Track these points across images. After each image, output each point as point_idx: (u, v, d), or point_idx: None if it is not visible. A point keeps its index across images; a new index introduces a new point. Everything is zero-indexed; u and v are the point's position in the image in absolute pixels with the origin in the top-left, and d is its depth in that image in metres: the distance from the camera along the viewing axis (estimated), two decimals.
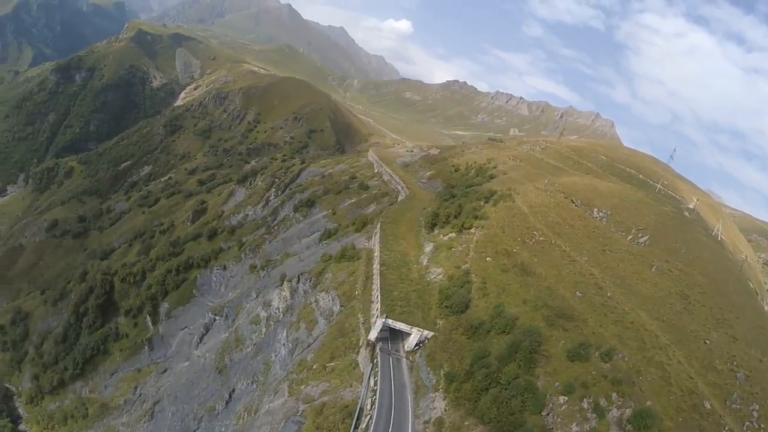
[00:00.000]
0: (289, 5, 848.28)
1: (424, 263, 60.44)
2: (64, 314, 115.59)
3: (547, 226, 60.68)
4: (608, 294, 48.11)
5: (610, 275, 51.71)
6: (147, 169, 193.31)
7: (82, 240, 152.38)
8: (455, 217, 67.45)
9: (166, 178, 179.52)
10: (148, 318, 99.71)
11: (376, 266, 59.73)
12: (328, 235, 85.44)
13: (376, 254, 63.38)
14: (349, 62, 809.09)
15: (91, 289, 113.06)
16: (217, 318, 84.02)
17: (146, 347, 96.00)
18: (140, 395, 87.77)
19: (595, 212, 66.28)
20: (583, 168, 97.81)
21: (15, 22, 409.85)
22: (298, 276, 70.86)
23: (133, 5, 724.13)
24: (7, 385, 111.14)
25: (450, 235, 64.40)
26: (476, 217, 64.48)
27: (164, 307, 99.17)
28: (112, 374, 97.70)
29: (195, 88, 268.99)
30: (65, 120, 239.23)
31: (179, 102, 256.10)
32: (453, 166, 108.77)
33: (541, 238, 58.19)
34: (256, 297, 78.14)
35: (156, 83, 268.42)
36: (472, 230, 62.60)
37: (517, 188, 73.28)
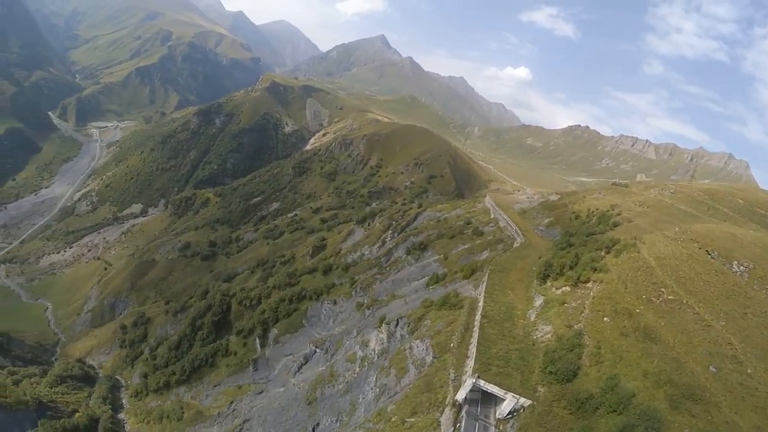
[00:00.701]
0: (410, 59, 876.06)
1: (532, 318, 52.87)
2: (181, 325, 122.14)
3: (678, 282, 51.03)
4: (749, 371, 38.63)
5: (751, 346, 42.09)
6: (275, 205, 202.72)
7: (210, 263, 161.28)
8: (571, 268, 59.05)
9: (292, 214, 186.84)
10: (257, 340, 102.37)
11: (477, 318, 53.72)
12: (436, 280, 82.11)
13: (479, 304, 56.88)
14: (469, 110, 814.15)
15: (210, 307, 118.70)
16: (317, 350, 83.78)
17: (251, 367, 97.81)
18: (234, 410, 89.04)
19: (734, 265, 54.44)
20: (719, 214, 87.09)
21: (162, 71, 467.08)
22: (397, 319, 68.04)
23: (268, 60, 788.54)
24: (118, 377, 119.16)
25: (564, 288, 56.43)
26: (595, 269, 55.79)
27: (273, 332, 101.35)
28: (215, 386, 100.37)
29: (323, 135, 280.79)
30: (205, 157, 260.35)
31: (308, 146, 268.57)
32: (573, 212, 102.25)
33: (669, 297, 48.36)
34: (356, 335, 76.56)
35: (288, 129, 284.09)
36: (589, 284, 54.01)
37: (643, 237, 63.10)
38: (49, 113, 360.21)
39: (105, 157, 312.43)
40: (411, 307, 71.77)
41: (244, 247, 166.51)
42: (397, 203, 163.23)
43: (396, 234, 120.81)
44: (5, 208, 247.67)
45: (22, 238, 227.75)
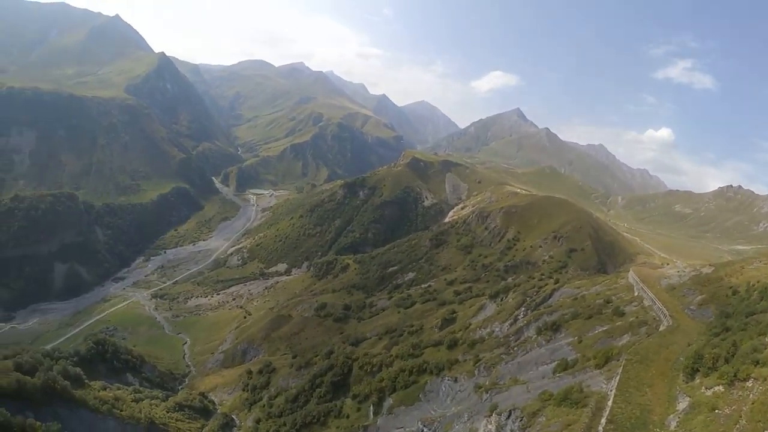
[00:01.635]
0: (547, 129, 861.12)
1: (671, 427, 41.24)
2: (302, 379, 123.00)
3: None
4: None
5: None
6: (411, 275, 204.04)
7: (341, 324, 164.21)
8: (726, 360, 45.66)
9: (426, 285, 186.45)
10: (371, 407, 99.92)
11: (602, 422, 43.88)
12: (565, 366, 73.14)
13: (608, 404, 46.87)
14: (611, 178, 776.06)
15: (332, 367, 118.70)
16: (425, 429, 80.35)
17: None
18: None
19: None
20: None
21: (314, 147, 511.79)
22: (510, 411, 59.79)
23: (410, 138, 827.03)
24: (234, 416, 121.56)
25: (716, 388, 43.75)
26: (756, 363, 42.37)
27: (388, 402, 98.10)
28: None
29: (462, 208, 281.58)
30: (348, 226, 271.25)
31: (446, 219, 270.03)
32: (730, 287, 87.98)
33: None
34: (467, 420, 70.31)
35: (427, 203, 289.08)
36: (749, 383, 40.61)
37: None
38: (213, 178, 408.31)
39: (259, 220, 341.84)
40: (530, 397, 63.92)
41: (376, 313, 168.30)
42: (534, 278, 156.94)
43: (529, 311, 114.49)
44: (165, 252, 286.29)
45: (176, 279, 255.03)
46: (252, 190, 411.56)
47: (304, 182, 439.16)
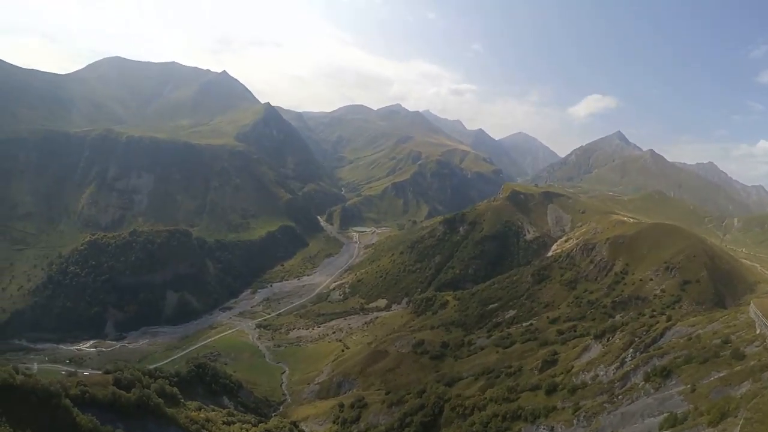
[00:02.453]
0: (651, 151, 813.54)
1: None
2: (392, 417, 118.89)
3: None
4: None
5: None
6: (511, 312, 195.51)
7: (437, 362, 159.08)
8: None
9: (527, 323, 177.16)
10: None
11: None
12: (673, 422, 62.38)
13: None
14: (724, 199, 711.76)
15: (422, 406, 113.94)
16: None
17: None
18: None
19: None
20: None
21: (414, 185, 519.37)
22: None
23: (509, 171, 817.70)
24: None
25: None
26: None
27: None
28: None
29: (565, 241, 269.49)
30: (448, 262, 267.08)
31: (550, 253, 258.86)
32: None
33: None
34: None
35: (529, 236, 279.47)
36: None
37: None
38: (318, 217, 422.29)
39: (361, 256, 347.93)
40: None
41: (474, 352, 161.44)
42: (645, 315, 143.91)
43: (637, 353, 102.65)
44: (271, 285, 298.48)
45: (280, 311, 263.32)
46: (355, 228, 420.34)
47: (405, 219, 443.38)
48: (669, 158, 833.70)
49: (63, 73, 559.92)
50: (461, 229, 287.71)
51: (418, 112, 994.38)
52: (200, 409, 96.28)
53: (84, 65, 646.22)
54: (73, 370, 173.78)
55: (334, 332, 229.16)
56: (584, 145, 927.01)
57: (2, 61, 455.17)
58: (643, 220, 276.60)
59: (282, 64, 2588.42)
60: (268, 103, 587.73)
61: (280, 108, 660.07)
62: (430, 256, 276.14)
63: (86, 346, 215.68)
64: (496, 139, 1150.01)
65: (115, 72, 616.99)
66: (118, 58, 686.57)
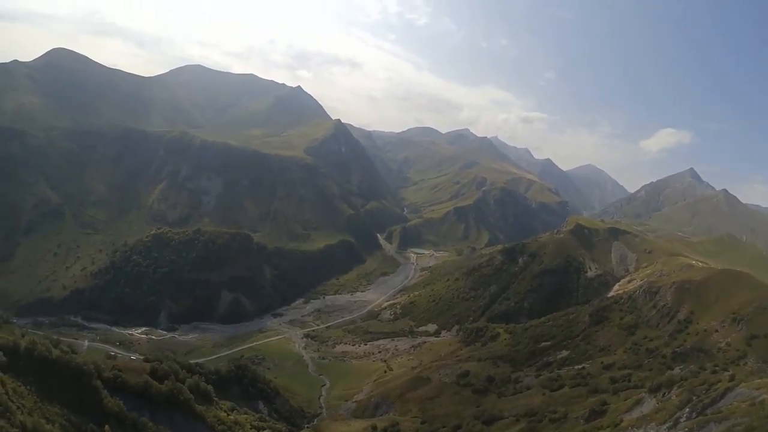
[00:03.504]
0: (725, 191, 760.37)
1: None
2: None
3: None
4: None
5: None
6: (564, 353, 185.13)
7: (479, 397, 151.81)
8: None
9: (579, 367, 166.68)
10: None
11: None
12: None
13: None
14: None
15: None
16: None
17: None
18: None
19: None
20: None
21: (476, 211, 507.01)
22: None
23: (575, 204, 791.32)
24: None
25: None
26: None
27: None
28: None
29: (628, 281, 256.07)
30: (504, 293, 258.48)
31: (611, 293, 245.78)
32: None
33: None
34: None
35: (590, 273, 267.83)
36: None
37: None
38: (378, 235, 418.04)
39: (416, 278, 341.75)
40: None
41: (519, 390, 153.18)
42: (706, 370, 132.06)
43: (694, 414, 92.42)
44: (324, 297, 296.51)
45: (329, 324, 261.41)
46: (413, 249, 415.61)
47: (465, 245, 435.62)
48: (743, 199, 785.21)
49: (146, 75, 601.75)
50: (520, 260, 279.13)
51: (486, 137, 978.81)
52: (233, 410, 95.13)
53: (167, 70, 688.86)
54: (119, 353, 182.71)
55: (379, 351, 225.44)
56: (654, 181, 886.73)
57: (90, 60, 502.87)
58: (712, 264, 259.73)
59: (356, 83, 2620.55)
60: (339, 119, 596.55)
61: (351, 125, 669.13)
62: (485, 285, 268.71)
63: (138, 332, 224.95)
64: (564, 169, 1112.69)
65: (195, 79, 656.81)
66: (200, 66, 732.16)
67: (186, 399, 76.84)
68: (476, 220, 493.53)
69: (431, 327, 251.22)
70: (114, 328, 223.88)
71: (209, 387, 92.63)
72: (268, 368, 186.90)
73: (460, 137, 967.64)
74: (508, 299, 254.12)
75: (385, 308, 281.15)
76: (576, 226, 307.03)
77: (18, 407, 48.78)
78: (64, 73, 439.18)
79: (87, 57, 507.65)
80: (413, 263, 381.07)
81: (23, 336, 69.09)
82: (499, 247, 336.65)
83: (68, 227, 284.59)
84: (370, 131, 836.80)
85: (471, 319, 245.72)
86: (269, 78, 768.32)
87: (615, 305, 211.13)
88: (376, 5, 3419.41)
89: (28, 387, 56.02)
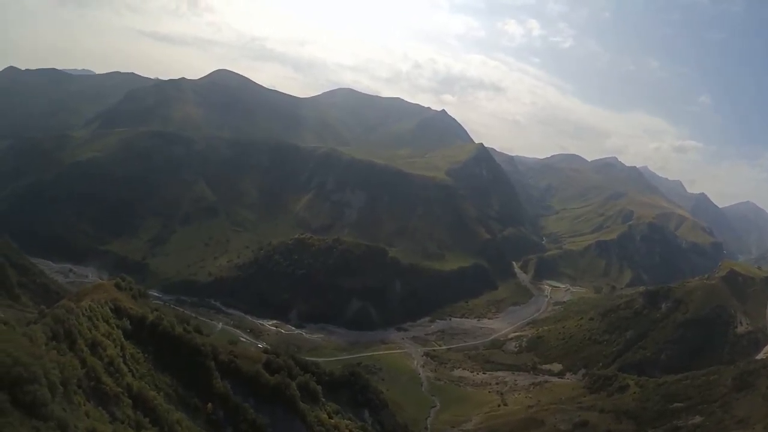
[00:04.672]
0: None
1: None
2: None
3: None
4: None
5: None
6: (696, 419, 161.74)
7: None
8: None
9: None
10: None
11: None
12: None
13: None
14: None
15: None
16: None
17: None
18: None
19: None
20: None
21: (619, 247, 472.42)
22: None
23: (730, 246, 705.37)
24: None
25: None
26: None
27: None
28: None
29: None
30: (640, 340, 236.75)
31: (760, 355, 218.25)
32: None
33: None
34: None
35: (740, 329, 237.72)
36: None
37: None
38: (513, 262, 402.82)
39: (548, 312, 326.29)
40: None
41: None
42: None
43: None
44: (450, 319, 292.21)
45: (451, 346, 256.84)
46: (548, 281, 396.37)
47: (604, 282, 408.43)
48: None
49: (301, 96, 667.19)
50: (663, 305, 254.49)
51: (634, 167, 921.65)
52: (336, 414, 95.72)
53: (320, 92, 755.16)
54: (248, 339, 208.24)
55: (497, 383, 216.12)
56: None
57: (249, 80, 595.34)
58: None
59: (500, 107, 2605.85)
60: (482, 143, 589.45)
61: (493, 149, 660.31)
62: (621, 330, 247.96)
63: (269, 324, 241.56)
64: (720, 206, 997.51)
65: (346, 101, 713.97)
66: (350, 90, 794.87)
67: (292, 395, 78.38)
68: (619, 257, 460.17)
69: (556, 366, 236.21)
70: (248, 317, 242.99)
71: (318, 387, 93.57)
72: (382, 379, 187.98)
73: (607, 166, 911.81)
74: (644, 348, 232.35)
75: (511, 339, 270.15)
76: (729, 273, 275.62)
77: (130, 371, 52.48)
78: (225, 90, 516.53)
79: (247, 78, 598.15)
80: (546, 296, 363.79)
81: (154, 310, 74.34)
82: (641, 288, 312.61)
83: (221, 223, 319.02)
84: (512, 156, 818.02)
85: (600, 364, 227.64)
86: (415, 101, 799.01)
87: (763, 370, 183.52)
88: (519, 29, 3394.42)
89: (146, 355, 60.40)
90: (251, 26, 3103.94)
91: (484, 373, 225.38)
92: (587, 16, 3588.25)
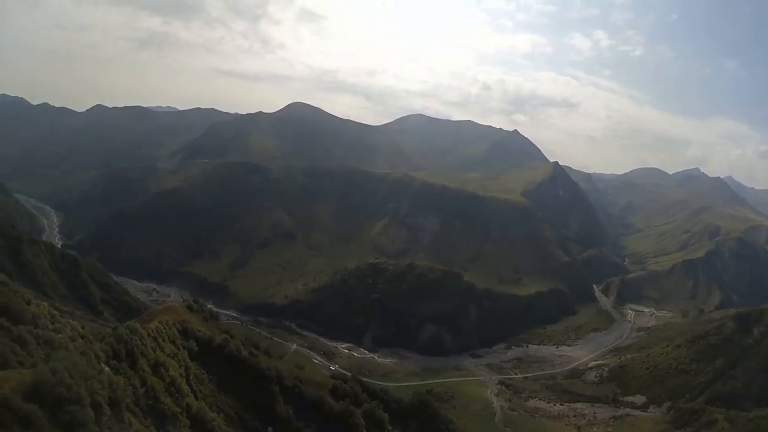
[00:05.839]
0: None
1: None
2: None
3: None
4: None
5: None
6: None
7: None
8: None
9: None
10: None
11: None
12: None
13: None
14: None
15: None
16: None
17: None
18: None
19: None
20: None
21: (707, 266, 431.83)
22: None
23: None
24: None
25: None
26: None
27: None
28: None
29: None
30: (730, 370, 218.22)
31: None
32: None
33: None
34: None
35: None
36: None
37: None
38: (594, 286, 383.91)
39: (631, 338, 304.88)
40: None
41: None
42: None
43: None
44: (527, 346, 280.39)
45: (527, 375, 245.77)
46: (631, 305, 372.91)
47: (692, 306, 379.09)
48: None
49: (372, 124, 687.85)
50: (756, 330, 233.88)
51: (719, 178, 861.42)
52: None
53: (391, 120, 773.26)
54: (320, 361, 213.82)
55: (575, 416, 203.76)
56: None
57: (323, 111, 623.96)
58: None
59: (574, 123, 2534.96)
60: (557, 162, 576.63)
61: (569, 168, 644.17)
62: (710, 358, 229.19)
63: (342, 347, 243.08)
64: None
65: (417, 127, 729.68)
66: (421, 115, 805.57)
67: (356, 423, 77.57)
68: (707, 277, 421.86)
69: (639, 398, 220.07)
70: (322, 339, 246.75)
71: (385, 415, 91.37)
72: (454, 407, 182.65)
73: (689, 178, 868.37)
74: (735, 378, 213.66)
75: (591, 368, 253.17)
76: None
77: (192, 391, 53.05)
78: (300, 122, 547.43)
79: (321, 109, 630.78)
80: (630, 321, 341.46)
81: (224, 332, 75.63)
82: (732, 311, 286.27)
83: (297, 248, 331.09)
84: (589, 173, 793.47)
85: (687, 396, 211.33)
86: (486, 123, 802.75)
87: None
88: (586, 42, 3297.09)
89: (211, 376, 61.14)
90: (322, 60, 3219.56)
91: (561, 405, 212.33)
92: (654, 21, 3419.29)
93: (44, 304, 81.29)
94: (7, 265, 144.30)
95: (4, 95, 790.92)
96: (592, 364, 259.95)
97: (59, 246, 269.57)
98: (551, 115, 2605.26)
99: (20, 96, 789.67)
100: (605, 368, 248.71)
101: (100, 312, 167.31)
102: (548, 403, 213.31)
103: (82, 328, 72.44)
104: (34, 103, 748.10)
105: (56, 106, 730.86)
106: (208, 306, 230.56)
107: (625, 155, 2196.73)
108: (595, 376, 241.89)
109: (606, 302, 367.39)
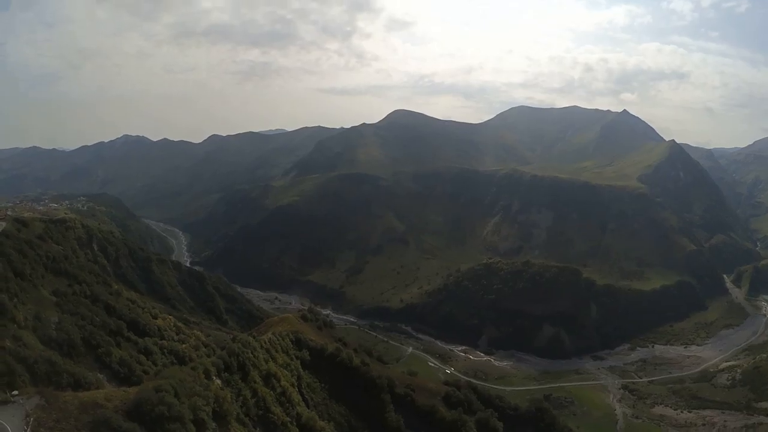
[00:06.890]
0: None
1: None
2: None
3: None
4: None
5: None
6: None
7: None
8: None
9: None
10: None
11: None
12: None
13: None
14: None
15: None
16: None
17: None
18: None
19: None
20: None
21: None
22: None
23: None
24: None
25: None
26: None
27: None
28: None
29: None
30: None
31: None
32: None
33: None
34: None
35: None
36: None
37: None
38: (724, 276, 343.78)
39: (766, 336, 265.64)
40: None
41: None
42: None
43: None
44: (653, 346, 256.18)
45: (653, 378, 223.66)
46: (767, 297, 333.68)
47: None
48: None
49: (475, 122, 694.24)
50: None
51: None
52: None
53: (494, 115, 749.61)
54: (436, 364, 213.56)
55: (704, 424, 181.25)
56: None
57: (425, 115, 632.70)
58: None
59: (687, 96, 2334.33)
60: (673, 140, 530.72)
61: (687, 145, 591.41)
62: None
63: (458, 349, 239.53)
64: None
65: (521, 119, 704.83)
66: (524, 107, 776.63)
67: None
68: None
69: None
70: (437, 342, 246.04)
71: (500, 424, 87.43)
72: (574, 414, 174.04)
73: None
74: None
75: (723, 370, 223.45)
76: None
77: (304, 400, 53.96)
78: (404, 128, 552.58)
79: (422, 113, 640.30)
80: (765, 315, 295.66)
81: (338, 340, 76.86)
82: None
83: (410, 252, 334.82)
84: (710, 149, 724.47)
85: None
86: (592, 107, 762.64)
87: None
88: (687, 4, 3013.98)
89: (323, 384, 62.01)
90: (417, 66, 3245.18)
91: (689, 412, 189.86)
92: None
93: (170, 316, 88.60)
94: (138, 284, 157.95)
95: (126, 135, 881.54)
96: (724, 365, 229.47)
97: (188, 263, 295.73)
98: (661, 89, 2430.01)
99: (141, 135, 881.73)
100: (738, 370, 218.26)
101: (225, 321, 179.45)
102: (675, 410, 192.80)
103: (207, 336, 77.27)
104: (155, 140, 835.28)
105: (175, 140, 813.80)
106: (326, 312, 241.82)
107: (748, 125, 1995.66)
108: (727, 380, 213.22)
109: (738, 294, 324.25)
